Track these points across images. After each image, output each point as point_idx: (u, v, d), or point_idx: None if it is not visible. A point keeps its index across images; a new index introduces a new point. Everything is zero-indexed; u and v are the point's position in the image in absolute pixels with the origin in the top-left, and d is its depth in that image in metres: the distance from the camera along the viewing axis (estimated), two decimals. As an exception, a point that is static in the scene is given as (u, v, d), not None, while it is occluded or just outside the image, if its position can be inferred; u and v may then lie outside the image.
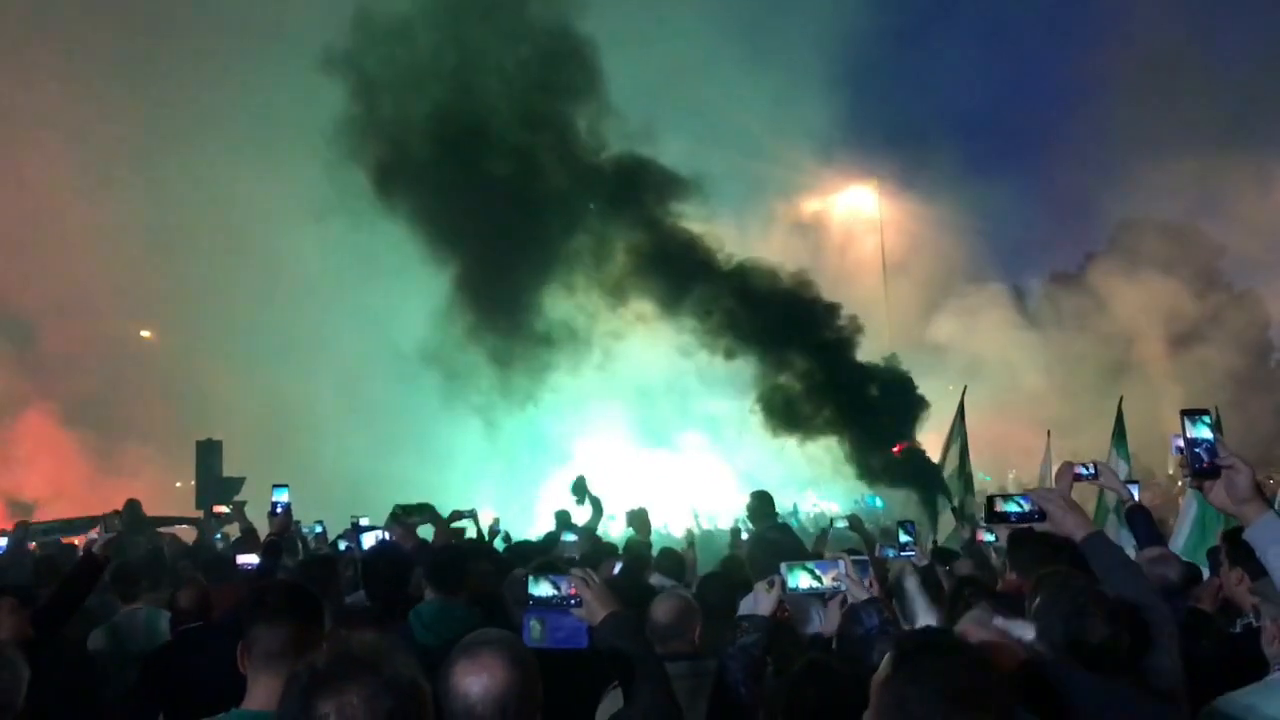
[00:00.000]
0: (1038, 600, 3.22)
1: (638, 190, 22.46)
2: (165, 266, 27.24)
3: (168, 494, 23.06)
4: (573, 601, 3.36)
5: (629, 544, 8.90)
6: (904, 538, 6.77)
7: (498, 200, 21.55)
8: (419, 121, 22.54)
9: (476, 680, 2.64)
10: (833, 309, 21.38)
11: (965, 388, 13.62)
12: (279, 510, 5.90)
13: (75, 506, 17.69)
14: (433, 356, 23.20)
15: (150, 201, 26.71)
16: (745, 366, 21.68)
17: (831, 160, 33.47)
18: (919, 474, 18.91)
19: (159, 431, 26.94)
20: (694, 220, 22.39)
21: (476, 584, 6.12)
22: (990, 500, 3.55)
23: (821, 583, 3.84)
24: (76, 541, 10.89)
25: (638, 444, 24.78)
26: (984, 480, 33.07)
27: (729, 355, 21.57)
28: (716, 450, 24.54)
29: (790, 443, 21.06)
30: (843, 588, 3.81)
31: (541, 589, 3.40)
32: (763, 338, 21.00)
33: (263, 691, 3.10)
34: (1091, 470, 5.16)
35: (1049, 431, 14.39)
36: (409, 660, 2.07)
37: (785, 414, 20.85)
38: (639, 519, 8.61)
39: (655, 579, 7.90)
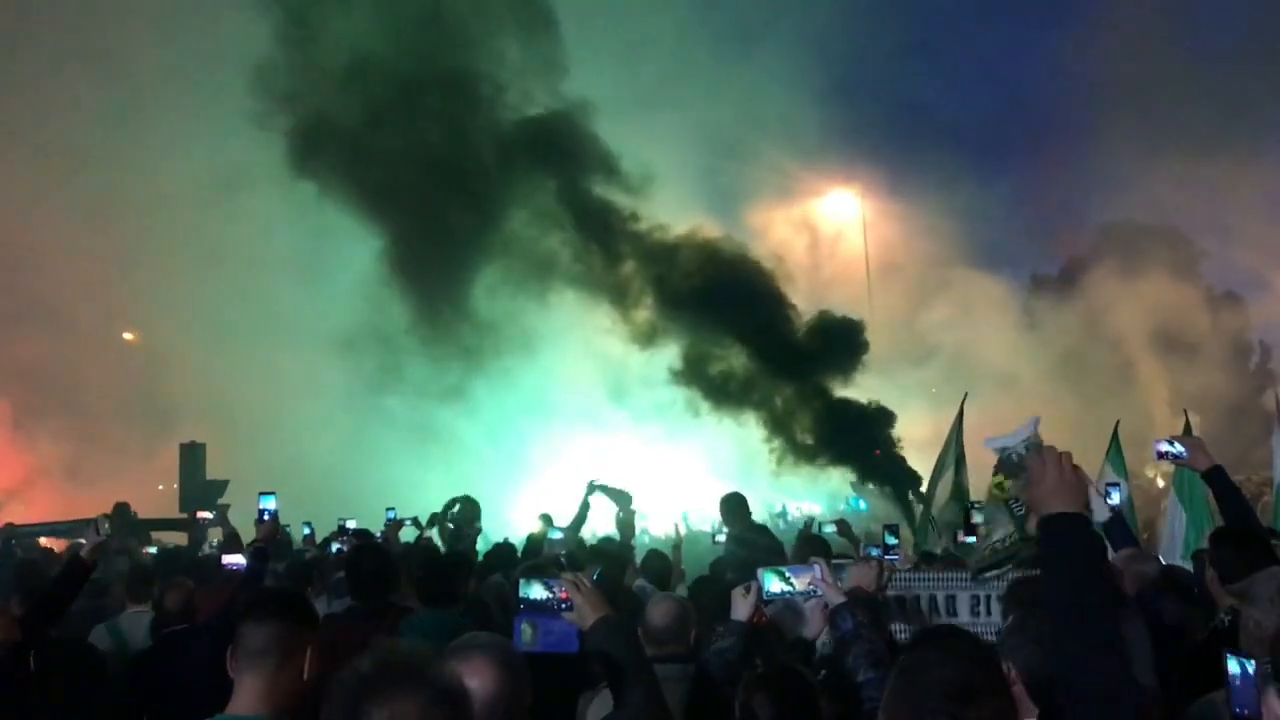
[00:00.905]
0: (1009, 620, 3.24)
1: (566, 157, 21.84)
2: (141, 268, 27.00)
3: (150, 497, 22.94)
4: (564, 605, 3.36)
5: (604, 548, 8.87)
6: (890, 540, 6.79)
7: (426, 170, 21.07)
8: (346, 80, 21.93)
9: (468, 684, 2.63)
10: (778, 295, 20.97)
11: (965, 395, 13.48)
12: (266, 517, 5.90)
13: (55, 510, 17.64)
14: (372, 342, 22.77)
15: (105, 198, 26.33)
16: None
17: (812, 163, 33.50)
18: (897, 478, 18.99)
19: (141, 434, 26.77)
20: (631, 194, 22.01)
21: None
22: (967, 512, 3.58)
23: (795, 587, 3.85)
24: (55, 545, 10.89)
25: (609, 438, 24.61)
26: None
27: (651, 337, 21.08)
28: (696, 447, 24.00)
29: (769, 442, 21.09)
30: (818, 592, 3.83)
31: (533, 592, 3.40)
32: (701, 318, 20.55)
33: (247, 694, 3.08)
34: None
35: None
36: (453, 669, 2.06)
37: (721, 392, 20.65)
38: (624, 524, 8.61)
39: (639, 583, 7.92)
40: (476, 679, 2.67)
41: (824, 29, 31.02)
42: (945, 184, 32.94)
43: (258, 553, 5.61)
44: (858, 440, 20.07)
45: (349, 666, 2.01)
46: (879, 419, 20.53)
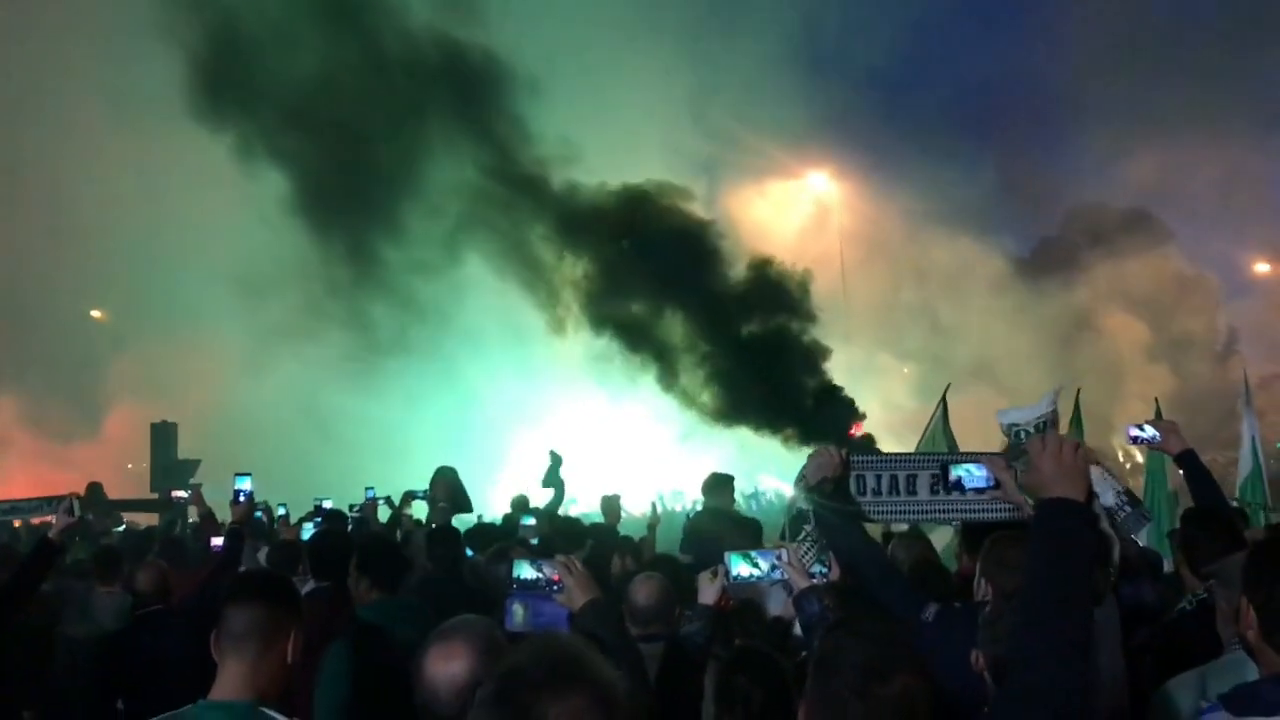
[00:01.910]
0: (986, 610, 3.24)
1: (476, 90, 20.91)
2: (108, 246, 26.66)
3: (118, 476, 22.76)
4: (555, 587, 3.38)
5: (575, 530, 8.84)
6: None
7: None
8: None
9: (447, 667, 2.67)
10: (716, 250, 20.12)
11: (948, 385, 13.41)
12: (241, 499, 5.86)
13: (23, 489, 17.44)
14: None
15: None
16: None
17: (786, 145, 33.48)
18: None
19: (109, 413, 26.57)
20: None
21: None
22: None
23: (762, 570, 3.86)
24: (15, 523, 10.75)
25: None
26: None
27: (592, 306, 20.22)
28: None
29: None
30: (783, 575, 3.84)
31: (525, 572, 3.42)
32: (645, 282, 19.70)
33: (230, 677, 3.04)
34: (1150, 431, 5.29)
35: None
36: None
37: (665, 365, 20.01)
38: (610, 506, 8.59)
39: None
40: (457, 662, 2.66)
41: (797, 8, 31.00)
42: (919, 166, 33.07)
43: (233, 534, 5.57)
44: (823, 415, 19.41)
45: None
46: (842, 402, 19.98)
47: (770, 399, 19.19)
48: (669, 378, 20.33)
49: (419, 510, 9.16)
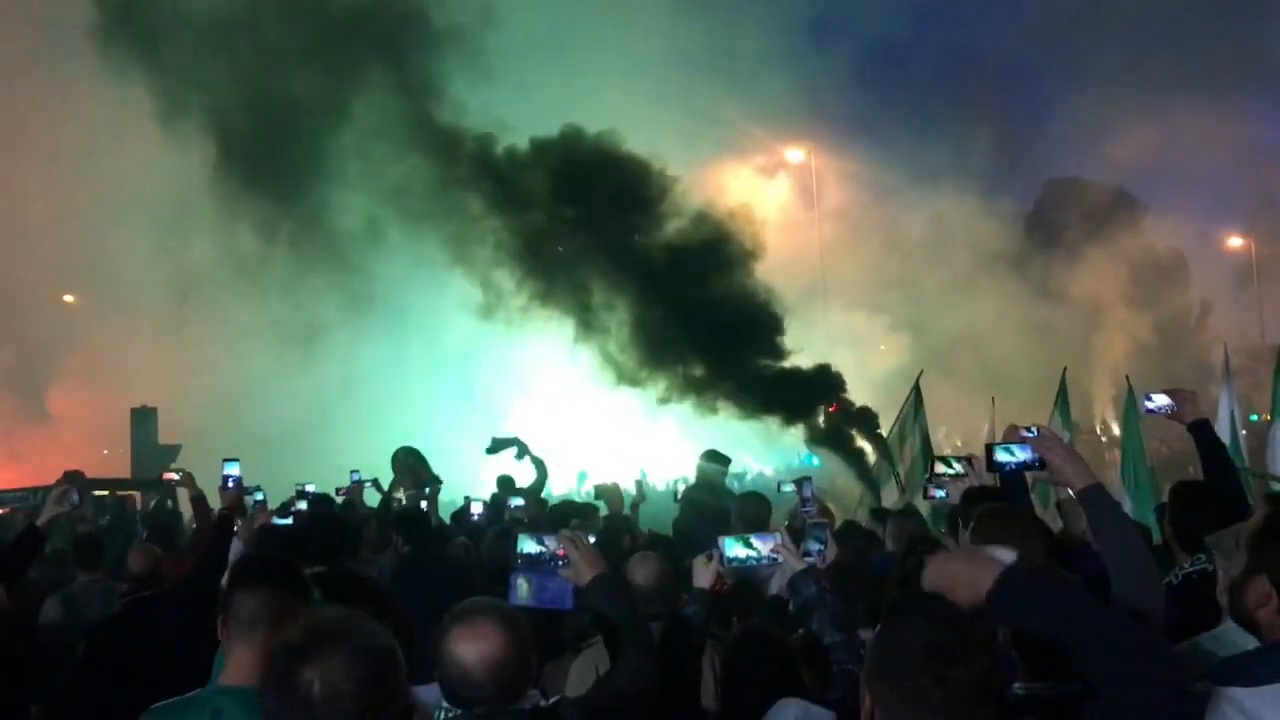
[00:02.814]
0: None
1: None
2: (80, 230, 26.31)
3: (94, 461, 22.56)
4: (560, 562, 3.36)
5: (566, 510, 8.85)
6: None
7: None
8: None
9: (473, 647, 2.71)
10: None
11: (921, 372, 13.45)
12: (230, 484, 5.83)
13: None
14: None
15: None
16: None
17: (763, 120, 33.39)
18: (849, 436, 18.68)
19: (84, 398, 26.29)
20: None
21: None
22: (989, 449, 3.54)
23: (759, 554, 3.89)
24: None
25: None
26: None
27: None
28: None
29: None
30: (779, 559, 3.87)
31: (528, 547, 3.40)
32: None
33: (238, 664, 3.05)
34: (1034, 433, 5.20)
35: (993, 399, 14.63)
36: (381, 628, 2.17)
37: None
38: (611, 494, 8.58)
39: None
40: (482, 641, 2.71)
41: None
42: (896, 140, 33.10)
43: (223, 519, 5.55)
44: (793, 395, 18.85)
45: (279, 637, 2.17)
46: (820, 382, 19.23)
47: (720, 369, 18.36)
48: (591, 334, 19.29)
49: (371, 498, 9.12)
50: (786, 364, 19.17)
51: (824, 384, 19.20)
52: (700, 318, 18.31)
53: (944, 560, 2.50)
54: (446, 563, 6.83)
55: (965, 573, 2.40)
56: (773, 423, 19.28)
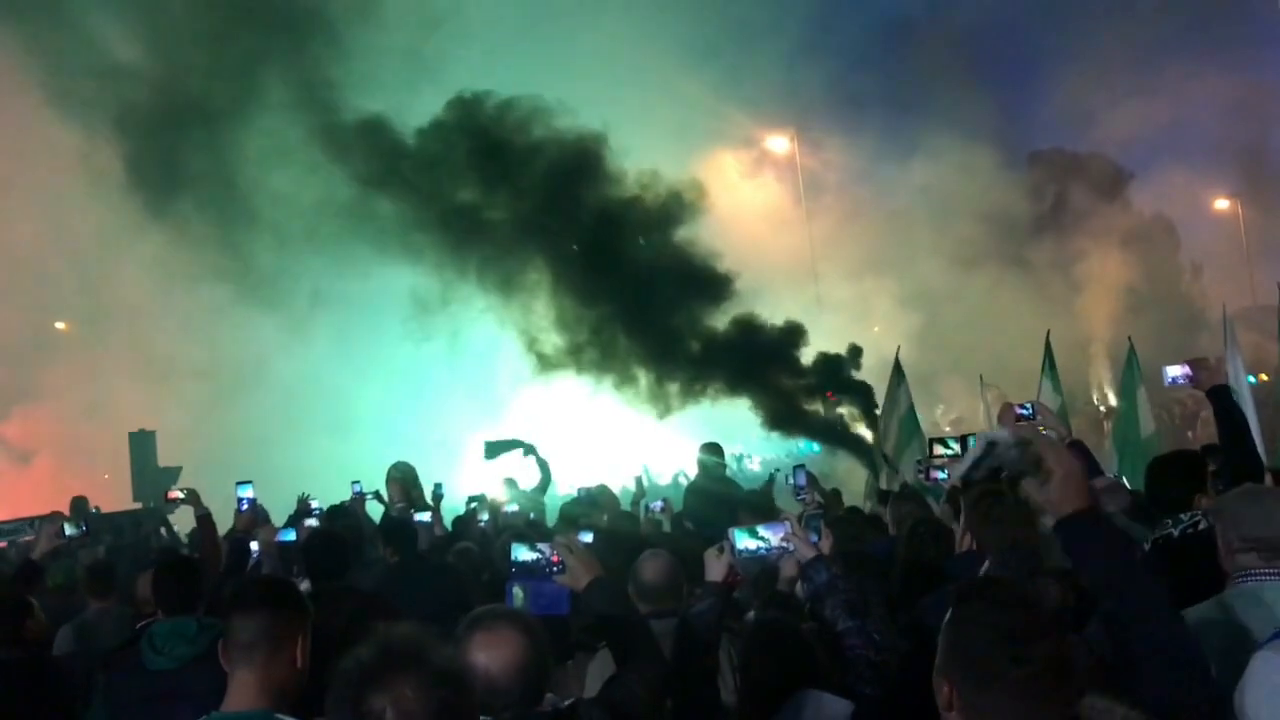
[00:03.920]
0: (987, 562, 3.28)
1: None
2: (69, 255, 26.13)
3: (97, 487, 22.52)
4: (555, 569, 3.38)
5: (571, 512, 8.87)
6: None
7: None
8: None
9: (496, 653, 2.76)
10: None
11: (899, 348, 13.39)
12: (244, 506, 5.84)
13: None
14: None
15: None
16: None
17: (747, 107, 33.29)
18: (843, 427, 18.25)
19: (80, 424, 26.21)
20: None
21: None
22: (930, 445, 3.57)
23: (769, 544, 3.89)
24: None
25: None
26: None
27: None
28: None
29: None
30: (790, 548, 3.87)
31: (523, 555, 3.42)
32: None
33: (242, 688, 3.04)
34: (1030, 410, 5.24)
35: (981, 376, 14.68)
36: (451, 650, 2.12)
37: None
38: (607, 497, 8.62)
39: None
40: (505, 647, 2.76)
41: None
42: (878, 122, 33.06)
43: (237, 543, 5.56)
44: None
45: (349, 654, 2.03)
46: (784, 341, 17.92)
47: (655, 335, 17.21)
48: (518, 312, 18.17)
49: (374, 510, 9.12)
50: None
51: (826, 371, 18.33)
52: (623, 277, 17.12)
53: (1060, 459, 2.49)
54: (436, 570, 6.81)
55: (1063, 488, 2.46)
56: (713, 389, 18.00)
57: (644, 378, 17.96)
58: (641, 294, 17.25)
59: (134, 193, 19.45)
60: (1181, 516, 4.37)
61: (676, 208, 18.32)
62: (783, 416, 17.85)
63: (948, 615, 2.30)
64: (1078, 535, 2.50)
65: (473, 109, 18.41)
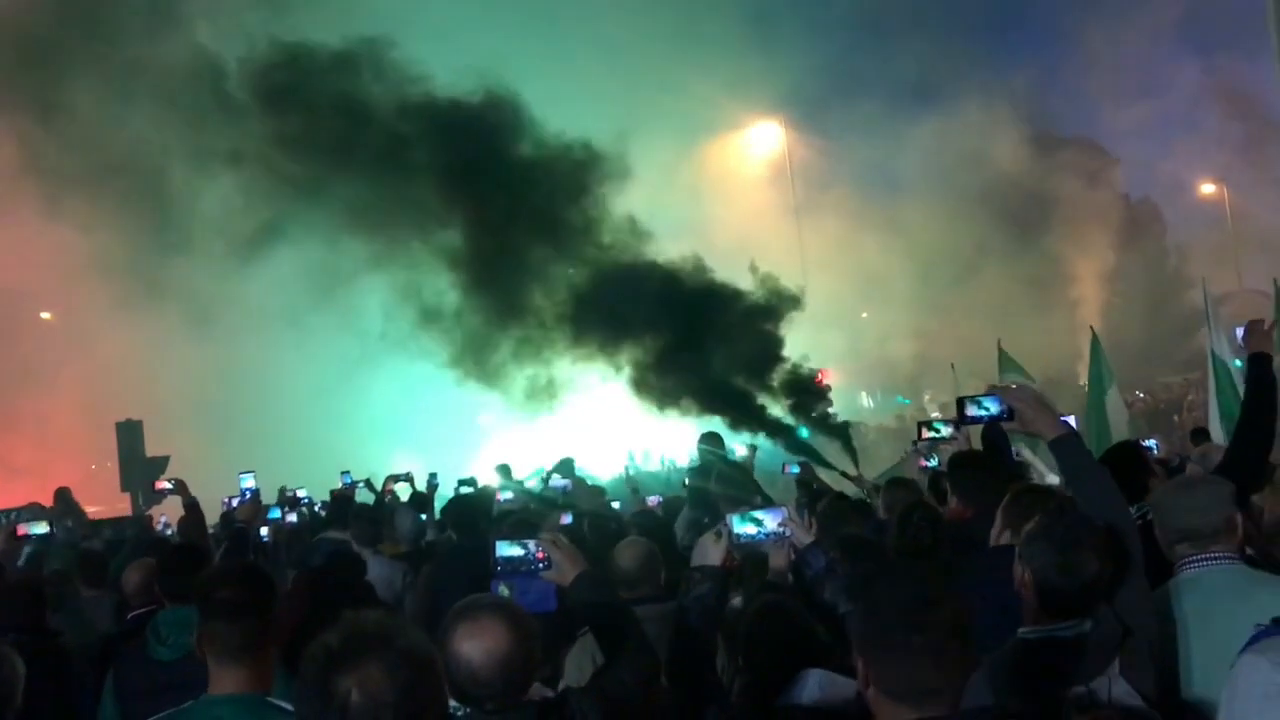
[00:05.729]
0: (1031, 523, 3.33)
1: None
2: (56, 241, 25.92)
3: (85, 477, 22.45)
4: (540, 565, 3.38)
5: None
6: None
7: None
8: None
9: (479, 644, 2.73)
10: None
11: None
12: (247, 496, 5.82)
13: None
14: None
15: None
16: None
17: (735, 94, 33.14)
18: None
19: (67, 415, 26.10)
20: None
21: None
22: (960, 402, 3.66)
23: (766, 529, 3.91)
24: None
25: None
26: (902, 404, 33.86)
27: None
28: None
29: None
30: (788, 533, 3.89)
31: (509, 552, 3.42)
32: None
33: (221, 673, 3.10)
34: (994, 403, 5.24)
35: (953, 365, 14.73)
36: (419, 634, 2.12)
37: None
38: (579, 490, 8.66)
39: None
40: (488, 638, 2.74)
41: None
42: (866, 106, 33.01)
43: (238, 533, 5.55)
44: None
45: (316, 641, 2.08)
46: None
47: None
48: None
49: (403, 494, 9.16)
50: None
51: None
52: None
53: (1024, 399, 3.58)
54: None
55: (1036, 418, 3.51)
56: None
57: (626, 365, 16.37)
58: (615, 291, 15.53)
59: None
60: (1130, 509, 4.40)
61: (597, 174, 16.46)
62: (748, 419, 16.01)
63: (858, 598, 2.50)
64: (1063, 451, 3.48)
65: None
